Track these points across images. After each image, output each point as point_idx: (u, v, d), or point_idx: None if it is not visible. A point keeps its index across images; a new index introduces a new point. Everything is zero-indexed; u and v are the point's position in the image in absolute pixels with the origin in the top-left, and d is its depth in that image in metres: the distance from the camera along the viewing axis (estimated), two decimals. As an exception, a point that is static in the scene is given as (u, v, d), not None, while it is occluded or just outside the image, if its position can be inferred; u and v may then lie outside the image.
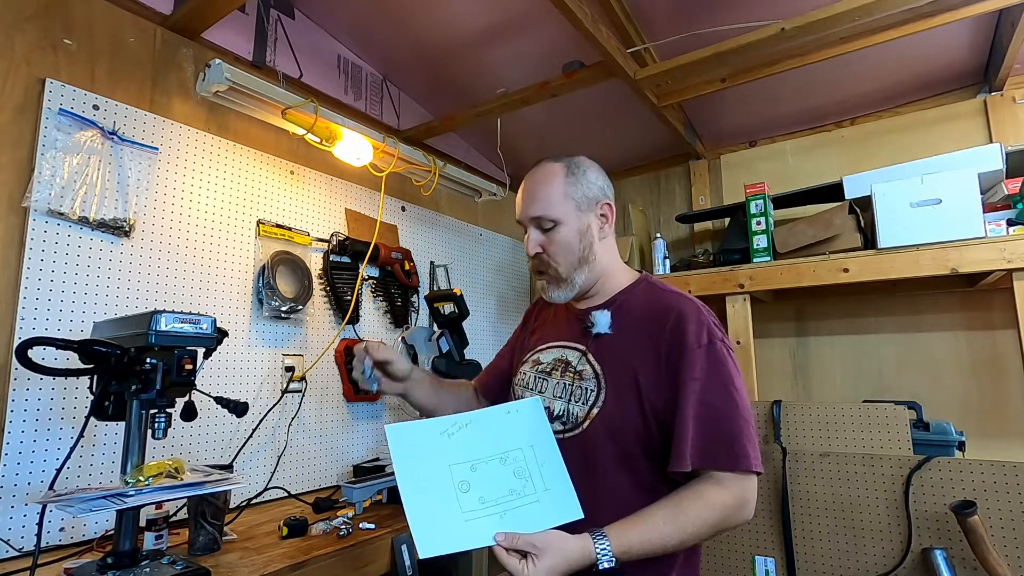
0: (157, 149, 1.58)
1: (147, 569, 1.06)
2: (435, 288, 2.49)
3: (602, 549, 0.82)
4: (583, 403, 0.99)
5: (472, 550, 0.85)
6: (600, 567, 0.82)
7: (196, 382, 1.14)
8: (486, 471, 0.90)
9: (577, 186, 1.05)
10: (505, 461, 0.92)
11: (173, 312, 1.09)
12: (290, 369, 1.86)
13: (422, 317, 2.36)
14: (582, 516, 0.88)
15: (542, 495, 0.89)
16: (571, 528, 0.85)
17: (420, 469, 0.89)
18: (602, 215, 1.07)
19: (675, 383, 0.92)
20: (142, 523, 1.17)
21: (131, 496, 0.98)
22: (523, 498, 0.89)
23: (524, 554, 0.81)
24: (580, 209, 1.05)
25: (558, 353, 1.08)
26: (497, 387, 1.28)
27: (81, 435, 1.04)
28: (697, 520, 0.86)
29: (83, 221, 1.41)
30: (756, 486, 0.91)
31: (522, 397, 1.09)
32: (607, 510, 0.89)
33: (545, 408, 1.01)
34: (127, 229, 1.50)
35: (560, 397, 1.03)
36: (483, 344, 2.70)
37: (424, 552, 0.81)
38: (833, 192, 2.18)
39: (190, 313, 1.11)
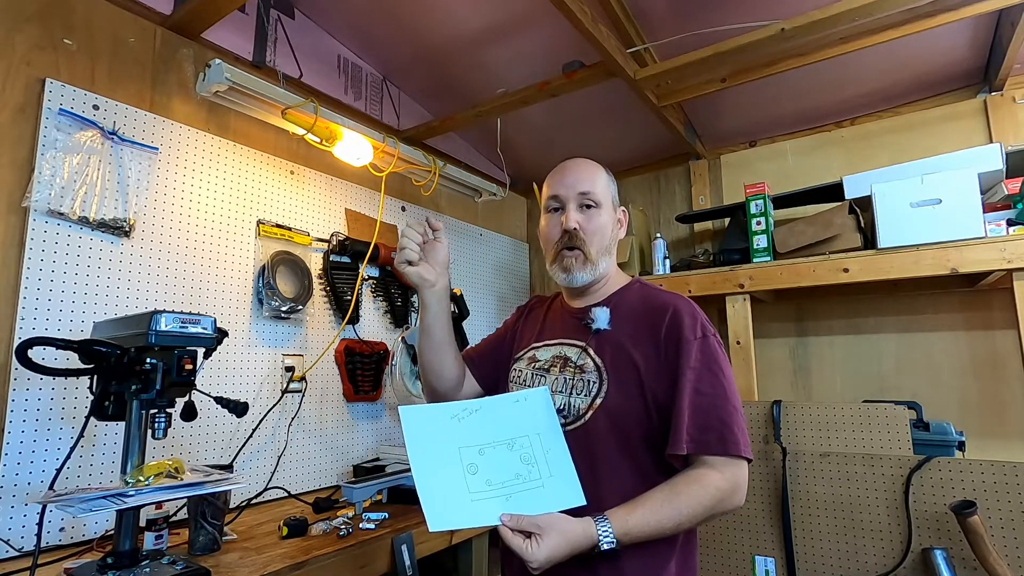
0: (157, 149, 1.58)
1: (147, 569, 1.06)
2: (435, 288, 2.48)
3: (604, 532, 0.86)
4: (585, 395, 1.01)
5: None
6: (601, 548, 0.85)
7: (196, 382, 1.14)
8: (493, 455, 0.94)
9: (612, 185, 1.15)
10: (512, 447, 0.95)
11: (173, 312, 1.09)
12: (290, 369, 1.86)
13: (422, 317, 2.35)
14: (584, 503, 0.91)
15: (547, 481, 0.92)
16: (573, 514, 0.88)
17: (431, 450, 0.93)
18: (618, 219, 1.15)
19: (674, 373, 0.97)
20: (142, 523, 1.16)
21: (131, 496, 0.98)
22: (528, 482, 0.92)
23: (528, 535, 0.84)
24: (613, 205, 1.13)
25: (556, 350, 1.10)
26: (489, 362, 1.24)
27: (81, 435, 1.04)
28: (692, 502, 0.90)
29: (83, 221, 1.41)
30: (747, 472, 0.95)
31: None
32: (609, 498, 0.92)
33: None
34: (127, 229, 1.50)
35: (561, 391, 1.05)
36: (483, 344, 2.69)
37: (433, 526, 0.86)
38: (833, 192, 2.18)
39: (190, 313, 1.11)
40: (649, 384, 0.98)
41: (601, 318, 1.06)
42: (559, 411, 1.03)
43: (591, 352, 1.05)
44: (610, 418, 0.99)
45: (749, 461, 0.95)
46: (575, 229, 1.07)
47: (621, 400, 0.99)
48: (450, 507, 0.88)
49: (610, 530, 0.86)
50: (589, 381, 1.02)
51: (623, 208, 1.17)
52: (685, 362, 0.96)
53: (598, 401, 1.00)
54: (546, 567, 0.83)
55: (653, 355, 1.00)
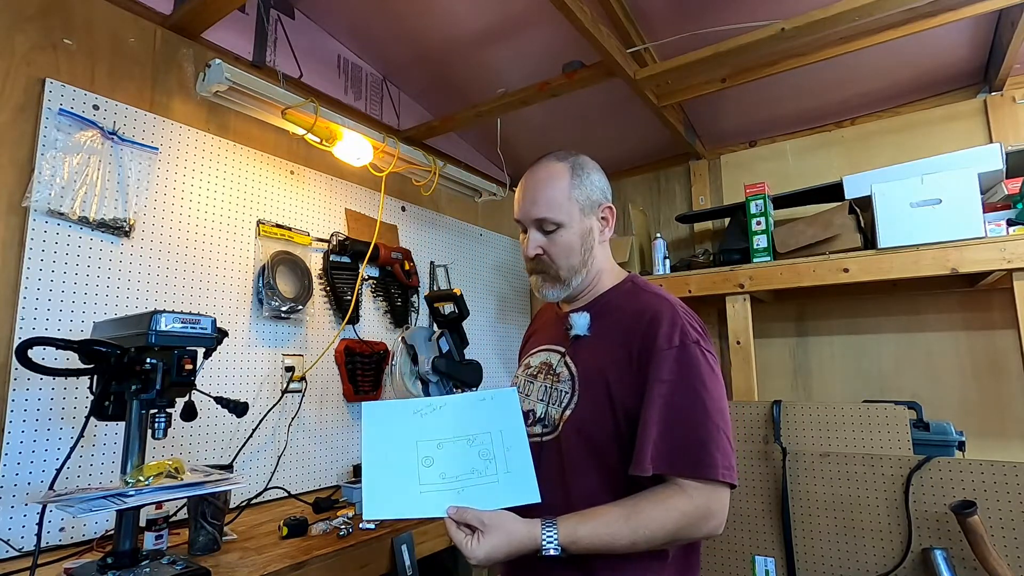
0: (157, 149, 1.58)
1: (147, 569, 1.06)
2: (435, 288, 2.49)
3: (548, 536, 0.83)
4: (558, 405, 0.99)
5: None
6: (544, 553, 0.83)
7: (196, 382, 1.14)
8: (452, 450, 0.93)
9: (581, 188, 1.02)
10: (472, 442, 0.94)
11: (173, 312, 1.09)
12: (290, 369, 1.86)
13: (422, 317, 2.36)
14: (539, 500, 0.88)
15: (502, 476, 0.90)
16: (524, 514, 0.86)
17: (386, 442, 0.93)
18: (603, 218, 1.06)
19: (644, 384, 0.91)
20: (142, 523, 1.16)
21: (131, 496, 0.98)
22: (483, 477, 0.90)
23: (472, 529, 0.83)
24: (583, 212, 1.02)
25: (544, 356, 1.08)
26: None
27: (81, 435, 1.04)
28: (653, 524, 0.84)
29: (83, 221, 1.41)
30: (726, 498, 0.87)
31: None
32: (579, 511, 0.88)
33: (529, 411, 1.03)
34: (127, 229, 1.50)
35: (542, 400, 1.02)
36: (483, 344, 2.70)
37: (368, 514, 0.87)
38: (833, 192, 2.18)
39: (190, 313, 1.11)
40: (618, 396, 0.93)
41: (579, 324, 1.01)
42: (540, 420, 1.00)
43: (568, 360, 1.01)
44: (579, 430, 0.95)
45: (732, 487, 0.87)
46: (537, 255, 1.02)
47: (589, 412, 0.95)
48: (393, 496, 0.88)
49: (555, 536, 0.83)
50: (562, 391, 0.99)
51: (608, 206, 1.06)
52: (655, 374, 0.89)
53: (567, 412, 0.96)
54: (485, 564, 0.82)
55: (625, 364, 0.93)
